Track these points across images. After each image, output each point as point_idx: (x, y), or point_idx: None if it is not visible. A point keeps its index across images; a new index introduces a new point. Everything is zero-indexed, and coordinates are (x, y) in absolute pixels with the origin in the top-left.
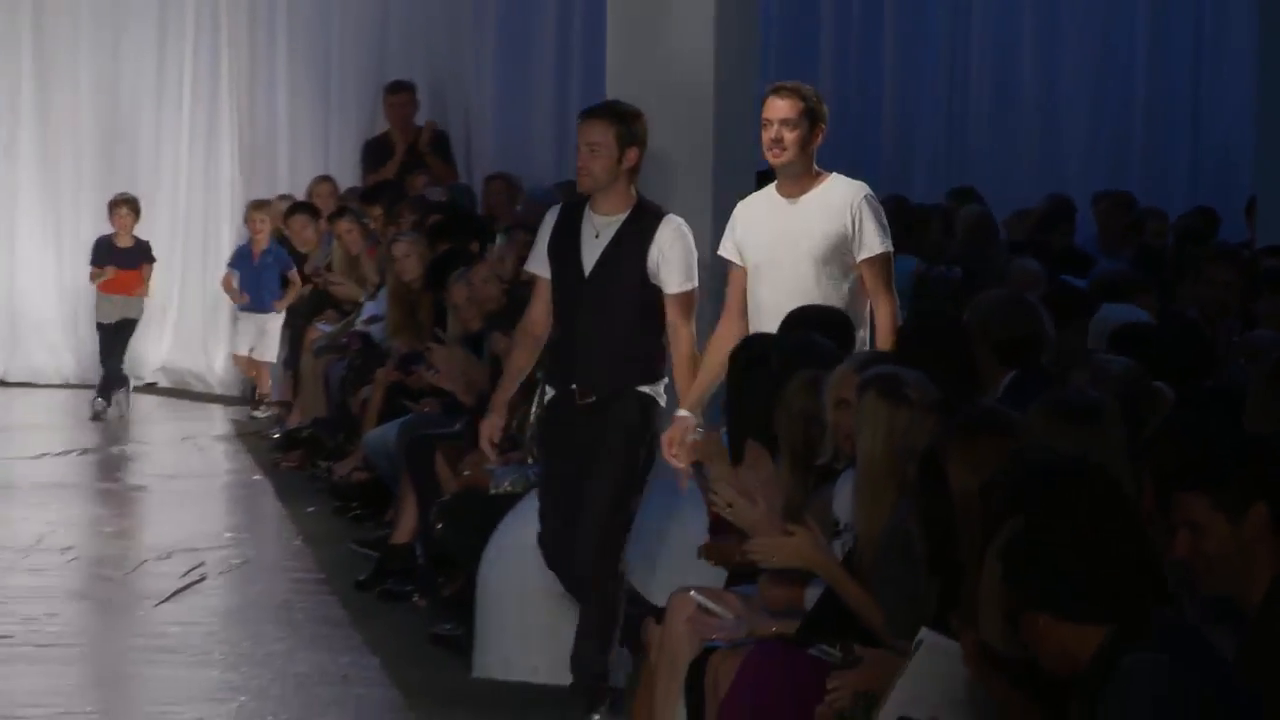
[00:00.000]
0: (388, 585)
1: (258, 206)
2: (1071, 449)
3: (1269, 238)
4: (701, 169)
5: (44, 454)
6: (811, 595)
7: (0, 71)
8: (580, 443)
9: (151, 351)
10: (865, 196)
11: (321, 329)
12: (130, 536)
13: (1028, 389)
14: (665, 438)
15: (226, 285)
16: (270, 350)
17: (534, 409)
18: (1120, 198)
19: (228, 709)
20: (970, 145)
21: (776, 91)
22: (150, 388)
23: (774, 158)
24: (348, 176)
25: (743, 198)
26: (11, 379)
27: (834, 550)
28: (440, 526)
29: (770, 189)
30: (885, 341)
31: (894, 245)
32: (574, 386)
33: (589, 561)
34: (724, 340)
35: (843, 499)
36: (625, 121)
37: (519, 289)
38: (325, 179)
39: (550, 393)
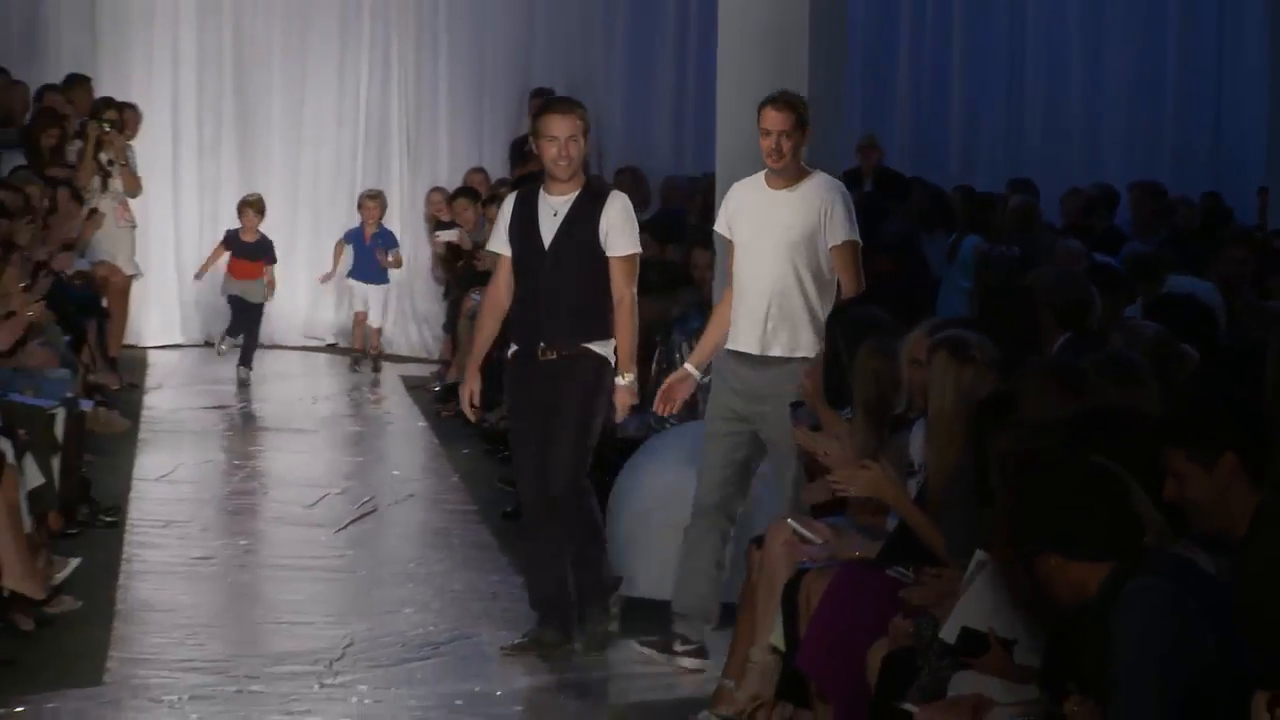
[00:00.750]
0: None
1: (372, 196)
2: (1118, 401)
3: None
4: None
5: (240, 404)
6: (891, 520)
7: (205, 82)
8: (543, 394)
9: (330, 317)
10: (839, 193)
11: (474, 298)
12: (313, 474)
13: (1078, 348)
14: (665, 382)
15: (337, 252)
16: (377, 315)
17: (652, 370)
18: (1151, 186)
19: (395, 619)
20: (1026, 141)
21: (774, 103)
22: (331, 348)
23: (773, 163)
24: (497, 169)
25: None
26: (214, 339)
27: (910, 487)
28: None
29: (760, 178)
30: None
31: (962, 227)
32: (541, 344)
33: (561, 481)
34: (727, 307)
35: (916, 444)
36: (585, 115)
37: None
38: (478, 170)
39: (512, 349)
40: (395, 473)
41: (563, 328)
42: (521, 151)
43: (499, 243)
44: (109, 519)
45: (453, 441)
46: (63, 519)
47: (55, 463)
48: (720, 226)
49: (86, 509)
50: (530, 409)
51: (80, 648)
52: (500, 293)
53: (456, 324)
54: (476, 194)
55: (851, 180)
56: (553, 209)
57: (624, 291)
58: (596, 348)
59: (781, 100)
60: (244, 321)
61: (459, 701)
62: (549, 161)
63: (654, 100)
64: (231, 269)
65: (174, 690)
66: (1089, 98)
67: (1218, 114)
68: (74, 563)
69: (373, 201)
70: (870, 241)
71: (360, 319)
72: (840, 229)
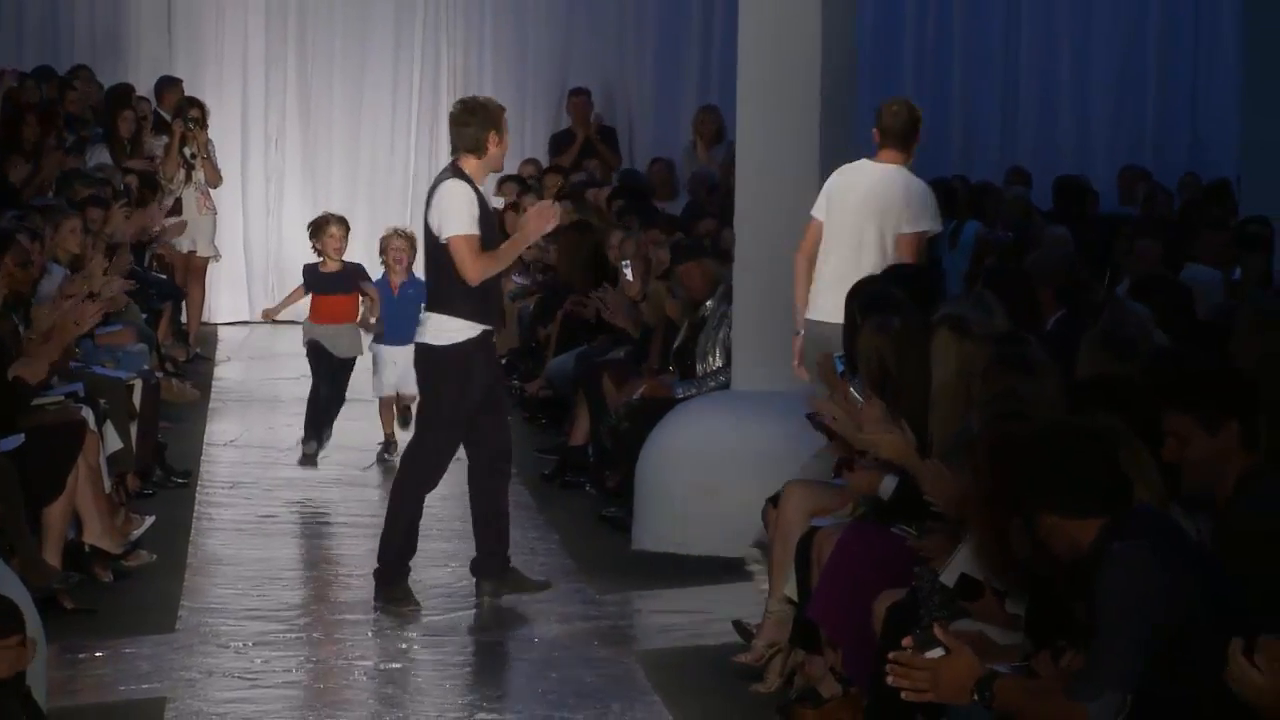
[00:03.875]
0: (566, 478)
1: (401, 235)
2: (1108, 370)
3: (1251, 207)
4: (809, 151)
5: (301, 376)
6: (887, 485)
7: (271, 81)
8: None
9: None
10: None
11: (515, 280)
12: (368, 439)
13: (1073, 322)
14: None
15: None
16: (412, 384)
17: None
18: (1136, 172)
19: (442, 572)
20: (1020, 130)
21: None
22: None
23: None
24: (543, 163)
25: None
26: (280, 318)
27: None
28: (626, 425)
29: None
30: None
31: (963, 215)
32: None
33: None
34: None
35: None
36: None
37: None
38: (530, 160)
39: (481, 330)
40: None
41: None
42: (560, 144)
43: (474, 225)
44: (181, 480)
45: None
46: (139, 480)
47: (133, 429)
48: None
49: (161, 471)
50: (496, 383)
51: (154, 598)
52: None
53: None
54: (524, 181)
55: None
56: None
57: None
58: None
59: None
60: (328, 381)
61: (500, 648)
62: (501, 158)
63: (680, 98)
64: (315, 310)
65: (239, 636)
66: (1077, 94)
67: (1194, 108)
68: (149, 520)
69: (402, 241)
70: None
71: (388, 403)
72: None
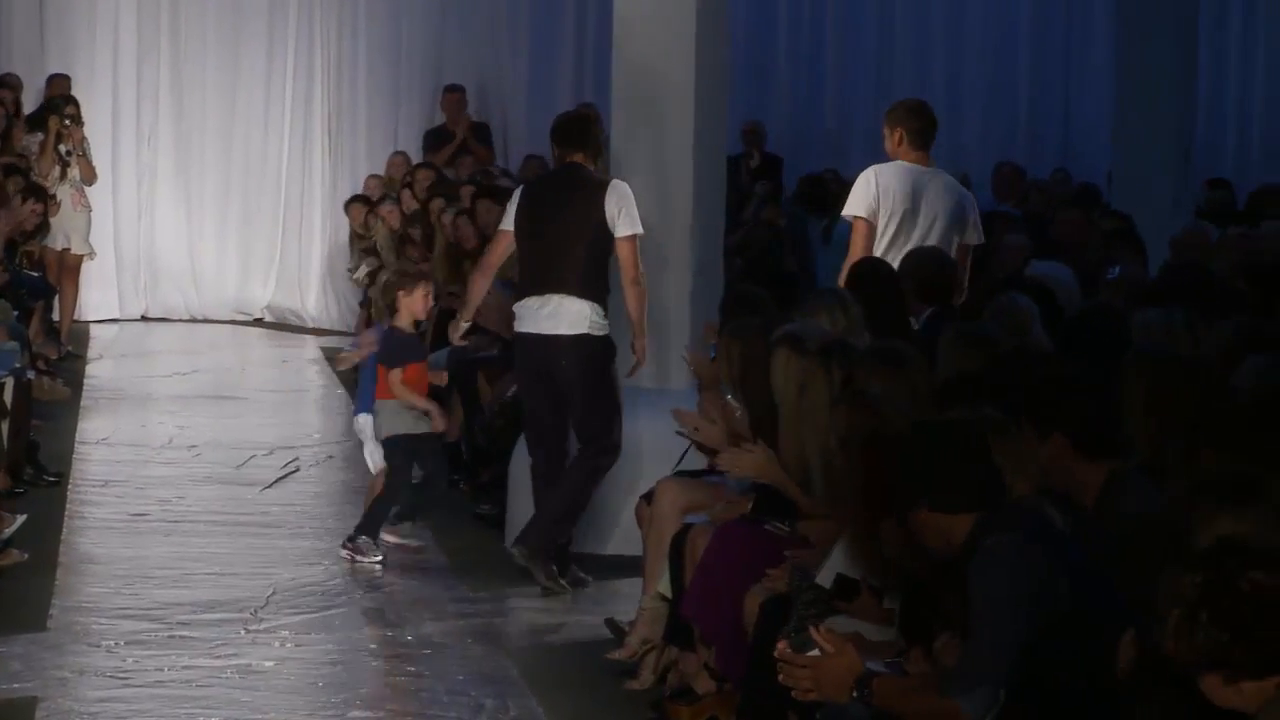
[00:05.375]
0: None
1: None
2: (972, 367)
3: (1123, 204)
4: (683, 147)
5: (174, 374)
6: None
7: (144, 75)
8: None
9: (259, 294)
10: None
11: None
12: (241, 437)
13: (942, 321)
14: None
15: (364, 341)
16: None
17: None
18: (1010, 170)
19: (314, 571)
20: None
21: None
22: (258, 322)
23: None
24: (413, 156)
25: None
26: (151, 315)
27: None
28: (499, 422)
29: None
30: None
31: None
32: None
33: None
34: None
35: None
36: None
37: None
38: (400, 153)
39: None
40: (315, 436)
41: None
42: (435, 141)
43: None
44: (53, 479)
45: None
46: (10, 479)
47: (4, 427)
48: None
49: (32, 470)
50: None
51: (26, 596)
52: None
53: (369, 299)
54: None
55: (735, 163)
56: None
57: None
58: None
59: None
60: (426, 465)
61: (372, 645)
62: None
63: (555, 94)
64: (392, 385)
65: (112, 635)
66: (950, 88)
67: (1066, 103)
68: (20, 519)
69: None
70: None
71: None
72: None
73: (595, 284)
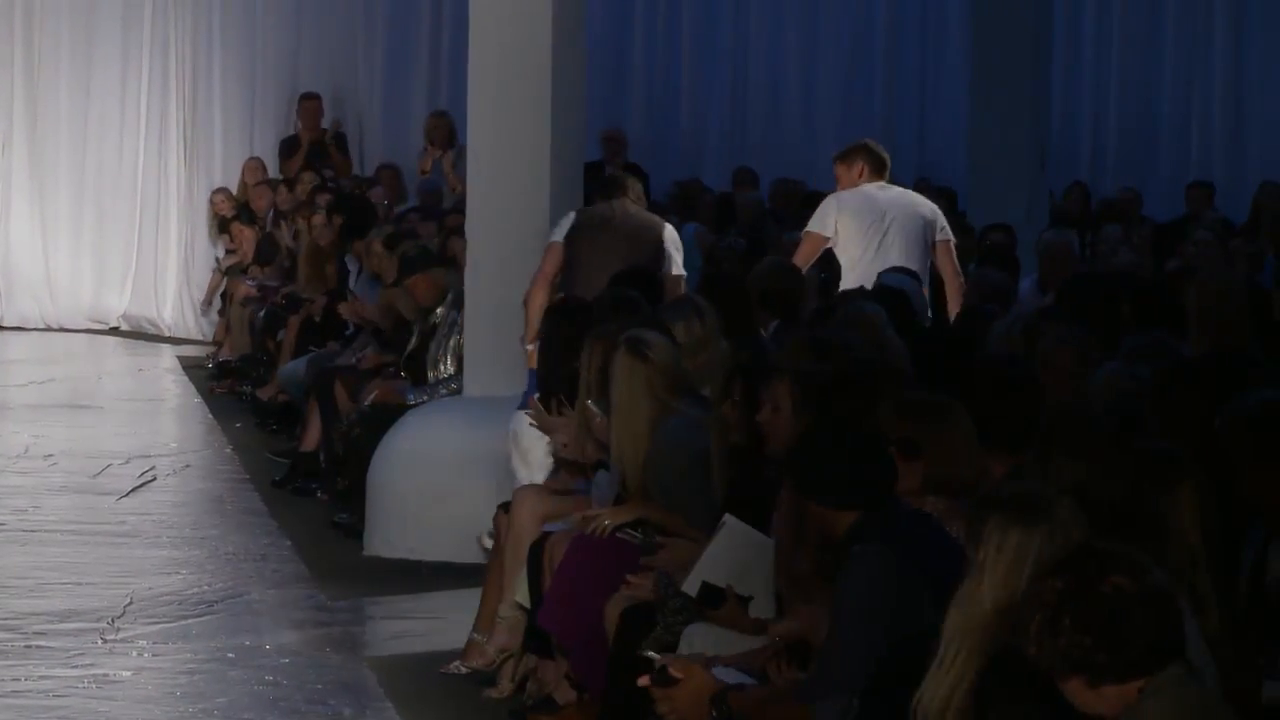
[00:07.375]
0: (298, 484)
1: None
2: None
3: (978, 213)
4: (539, 155)
5: (29, 382)
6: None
7: None
8: None
9: (115, 303)
10: None
11: (248, 284)
12: (97, 446)
13: (788, 332)
14: None
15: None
16: None
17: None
18: None
19: (172, 580)
20: (749, 134)
21: None
22: (114, 330)
23: None
24: (269, 165)
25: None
26: (6, 324)
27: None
28: (357, 431)
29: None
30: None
31: (682, 216)
32: None
33: None
34: None
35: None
36: None
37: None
38: (255, 158)
39: None
40: (173, 445)
41: None
42: (289, 149)
43: None
44: None
45: (226, 417)
46: None
47: None
48: None
49: None
50: None
51: None
52: None
53: (228, 308)
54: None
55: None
56: None
57: None
58: None
59: None
60: None
61: (231, 654)
62: None
63: (410, 103)
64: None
65: None
66: (805, 97)
67: (922, 114)
68: None
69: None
70: None
71: None
72: None
73: None
